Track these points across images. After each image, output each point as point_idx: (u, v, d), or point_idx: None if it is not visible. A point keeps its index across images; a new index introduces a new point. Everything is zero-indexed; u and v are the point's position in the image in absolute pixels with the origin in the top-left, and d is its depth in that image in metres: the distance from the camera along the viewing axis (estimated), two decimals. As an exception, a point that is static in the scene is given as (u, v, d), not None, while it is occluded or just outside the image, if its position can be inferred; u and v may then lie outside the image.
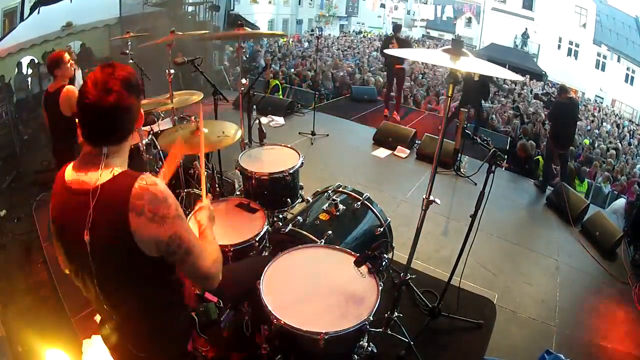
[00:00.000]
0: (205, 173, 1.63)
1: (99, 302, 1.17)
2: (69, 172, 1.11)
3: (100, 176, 1.05)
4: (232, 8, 11.58)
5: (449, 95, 1.77)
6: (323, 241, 2.02)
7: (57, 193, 1.13)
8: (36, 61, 6.41)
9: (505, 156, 6.40)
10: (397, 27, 6.64)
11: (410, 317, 2.43)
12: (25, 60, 6.34)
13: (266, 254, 2.18)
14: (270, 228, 2.24)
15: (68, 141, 3.26)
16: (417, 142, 5.40)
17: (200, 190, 1.55)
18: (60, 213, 1.12)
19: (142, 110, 1.16)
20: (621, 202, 5.60)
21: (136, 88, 1.10)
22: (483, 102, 7.20)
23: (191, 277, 1.22)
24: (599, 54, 15.12)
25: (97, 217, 1.04)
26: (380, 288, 1.60)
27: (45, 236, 3.04)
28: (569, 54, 16.18)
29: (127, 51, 3.73)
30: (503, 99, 10.08)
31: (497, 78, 10.49)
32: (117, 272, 1.11)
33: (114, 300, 1.16)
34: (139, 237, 1.04)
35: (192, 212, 1.49)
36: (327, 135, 5.49)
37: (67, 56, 3.05)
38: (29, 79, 6.38)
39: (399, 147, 5.27)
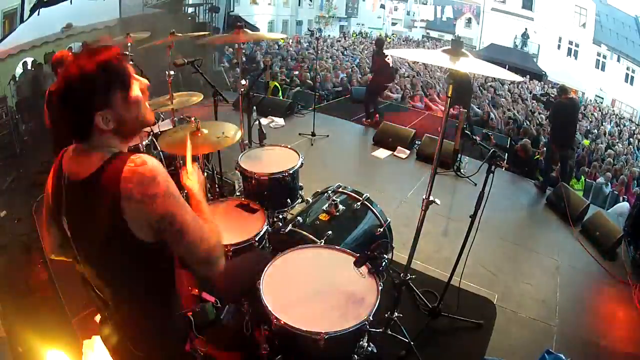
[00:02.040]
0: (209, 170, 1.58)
1: (97, 298, 1.18)
2: (66, 159, 1.11)
3: (90, 166, 1.04)
4: (231, 9, 11.59)
5: (449, 95, 1.78)
6: (323, 241, 2.02)
7: (54, 179, 1.13)
8: (37, 62, 6.42)
9: (506, 154, 6.41)
10: (378, 42, 6.98)
11: (410, 317, 2.43)
12: (26, 61, 6.35)
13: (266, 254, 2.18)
14: (270, 228, 2.24)
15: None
16: (417, 142, 5.41)
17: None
18: (56, 202, 1.12)
19: (111, 101, 1.04)
20: (625, 205, 5.60)
21: (86, 82, 0.99)
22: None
23: (189, 261, 1.14)
24: (598, 54, 15.12)
25: (90, 208, 1.03)
26: (380, 288, 1.61)
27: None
28: (569, 53, 16.18)
29: (127, 52, 3.74)
30: (503, 99, 10.07)
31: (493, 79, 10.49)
32: (114, 260, 1.09)
33: (112, 290, 1.16)
34: (132, 221, 1.02)
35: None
36: (327, 136, 5.50)
37: (71, 54, 3.05)
38: (29, 80, 6.39)
39: (398, 147, 5.28)
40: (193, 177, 1.35)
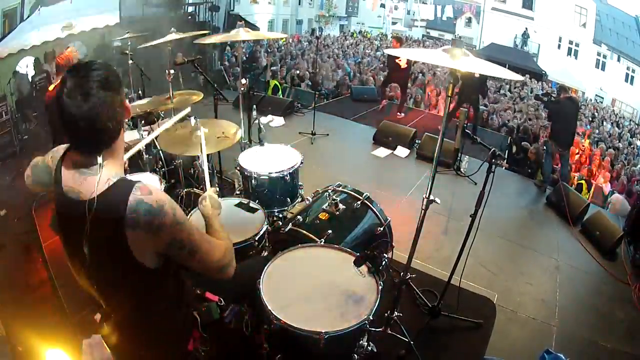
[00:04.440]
0: (209, 169, 1.59)
1: (99, 302, 1.18)
2: (66, 177, 1.07)
3: (97, 187, 1.02)
4: (232, 8, 11.58)
5: (449, 94, 1.78)
6: (323, 241, 2.02)
7: (55, 197, 1.11)
8: (38, 61, 6.41)
9: (506, 152, 6.39)
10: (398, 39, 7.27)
11: (410, 316, 2.42)
12: (25, 61, 6.34)
13: (266, 253, 2.18)
14: (270, 228, 2.24)
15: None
16: (417, 141, 5.40)
17: (201, 190, 1.53)
18: (61, 217, 1.11)
19: (126, 101, 1.09)
20: (619, 198, 5.60)
21: (114, 82, 1.03)
22: (481, 100, 7.18)
23: (203, 271, 1.20)
24: (599, 54, 15.11)
25: (94, 230, 1.02)
26: (380, 287, 1.61)
27: (45, 236, 3.05)
28: (569, 53, 16.16)
29: (127, 51, 3.74)
30: (503, 97, 10.06)
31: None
32: (115, 280, 1.11)
33: (113, 302, 1.16)
34: (137, 250, 1.03)
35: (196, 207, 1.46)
36: (327, 134, 5.49)
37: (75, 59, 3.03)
38: (29, 79, 6.38)
39: (398, 146, 5.28)
40: (207, 201, 1.37)
